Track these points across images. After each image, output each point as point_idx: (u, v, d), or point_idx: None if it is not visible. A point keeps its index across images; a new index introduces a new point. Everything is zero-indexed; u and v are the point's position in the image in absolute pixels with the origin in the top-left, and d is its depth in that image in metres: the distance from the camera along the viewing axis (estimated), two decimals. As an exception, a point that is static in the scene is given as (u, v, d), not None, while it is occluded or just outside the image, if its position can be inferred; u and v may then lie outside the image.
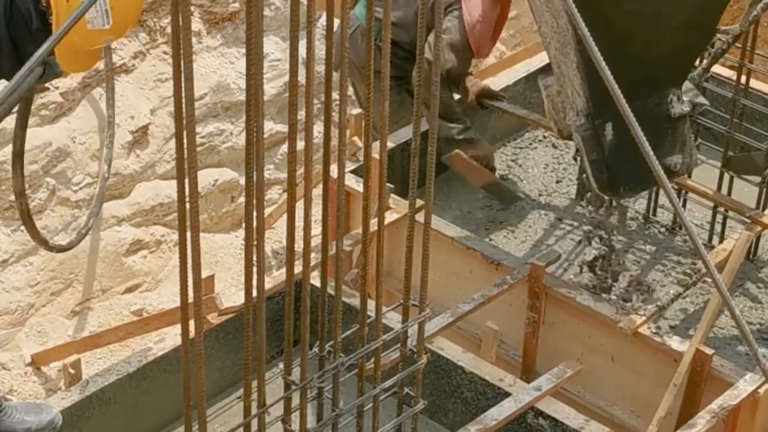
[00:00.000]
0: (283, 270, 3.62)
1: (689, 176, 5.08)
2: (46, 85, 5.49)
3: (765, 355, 4.24)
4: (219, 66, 6.22)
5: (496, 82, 5.75)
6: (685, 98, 4.25)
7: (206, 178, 6.21)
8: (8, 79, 3.70)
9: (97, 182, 5.80)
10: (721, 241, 4.98)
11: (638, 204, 5.26)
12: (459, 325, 4.57)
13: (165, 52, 6.00)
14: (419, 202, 3.37)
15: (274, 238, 6.34)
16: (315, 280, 3.96)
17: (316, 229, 3.63)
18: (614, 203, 5.11)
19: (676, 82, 4.25)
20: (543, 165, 5.56)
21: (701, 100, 4.37)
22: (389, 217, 4.80)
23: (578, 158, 5.17)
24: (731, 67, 5.28)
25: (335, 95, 3.03)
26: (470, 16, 5.09)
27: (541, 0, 4.02)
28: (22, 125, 4.18)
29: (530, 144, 5.69)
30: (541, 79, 4.38)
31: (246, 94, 2.72)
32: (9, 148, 4.49)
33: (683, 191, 5.08)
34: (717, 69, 5.32)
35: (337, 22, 2.92)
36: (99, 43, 3.66)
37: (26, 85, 3.48)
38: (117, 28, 3.57)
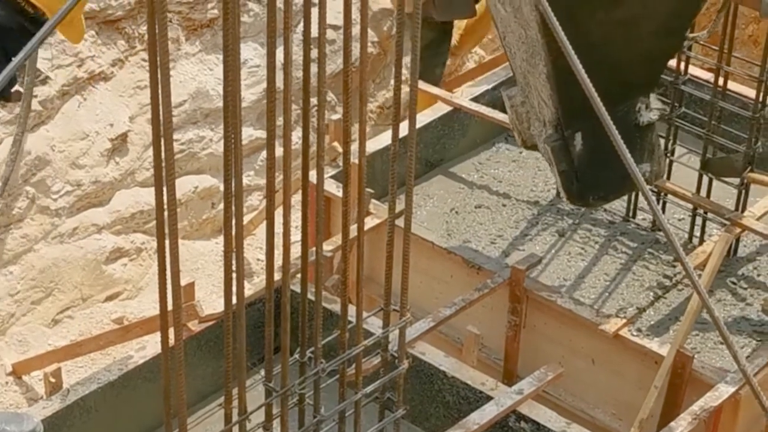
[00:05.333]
0: (264, 276, 3.62)
1: (668, 178, 5.10)
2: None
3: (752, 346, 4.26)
4: (198, 73, 6.21)
5: (476, 86, 5.76)
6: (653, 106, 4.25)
7: (186, 184, 6.20)
8: None
9: (75, 190, 5.78)
10: (701, 243, 5.00)
11: (618, 204, 5.27)
12: (440, 329, 4.57)
13: (144, 59, 6.00)
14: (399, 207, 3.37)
15: (255, 244, 6.34)
16: (295, 286, 3.96)
17: (296, 236, 3.63)
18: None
19: (646, 90, 4.24)
20: (519, 167, 5.57)
21: (658, 105, 4.39)
22: (369, 222, 4.80)
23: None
24: (709, 70, 5.29)
25: (314, 101, 3.03)
26: None
27: (508, 10, 4.01)
28: None
29: (507, 147, 5.70)
30: (504, 90, 4.39)
31: (224, 100, 2.72)
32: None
33: (662, 193, 5.09)
34: (695, 71, 5.34)
35: None
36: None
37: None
38: None
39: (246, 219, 6.21)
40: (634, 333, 4.51)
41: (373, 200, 4.93)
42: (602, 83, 3.90)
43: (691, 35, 4.55)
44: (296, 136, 5.52)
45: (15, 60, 2.30)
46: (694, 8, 4.19)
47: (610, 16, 3.97)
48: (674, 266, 4.96)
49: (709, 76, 5.25)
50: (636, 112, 4.18)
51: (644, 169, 4.24)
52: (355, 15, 3.49)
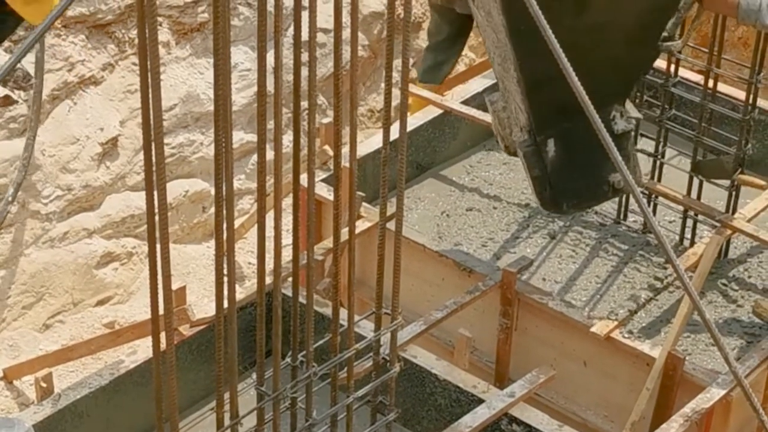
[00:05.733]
0: (255, 280, 3.62)
1: (659, 180, 5.10)
2: (14, 98, 5.48)
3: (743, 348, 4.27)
4: (188, 76, 6.21)
5: (466, 89, 5.76)
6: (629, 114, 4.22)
7: (177, 188, 6.19)
8: None
9: (66, 195, 5.77)
10: (691, 245, 5.01)
11: (609, 206, 5.28)
12: (432, 332, 4.57)
13: (134, 63, 5.99)
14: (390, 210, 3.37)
15: (246, 248, 6.34)
16: (287, 289, 3.96)
17: (288, 239, 3.63)
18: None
19: (620, 98, 4.21)
20: (510, 170, 5.58)
21: (634, 113, 4.37)
22: (361, 225, 4.80)
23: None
24: (699, 72, 5.30)
25: (304, 104, 3.03)
26: None
27: (482, 14, 4.00)
28: None
29: (497, 150, 5.71)
30: (487, 95, 4.38)
31: (214, 104, 2.72)
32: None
33: (653, 196, 5.10)
34: (685, 74, 5.35)
35: None
36: None
37: None
38: None
39: (237, 223, 6.21)
40: (626, 335, 4.52)
41: (364, 203, 4.93)
42: (572, 90, 3.86)
43: (665, 44, 4.54)
44: (287, 139, 5.52)
45: (12, 59, 2.29)
46: (665, 18, 4.14)
47: (577, 22, 3.91)
48: (665, 268, 4.96)
49: (699, 78, 5.26)
50: (610, 120, 4.14)
51: (619, 177, 4.19)
52: (345, 18, 3.49)
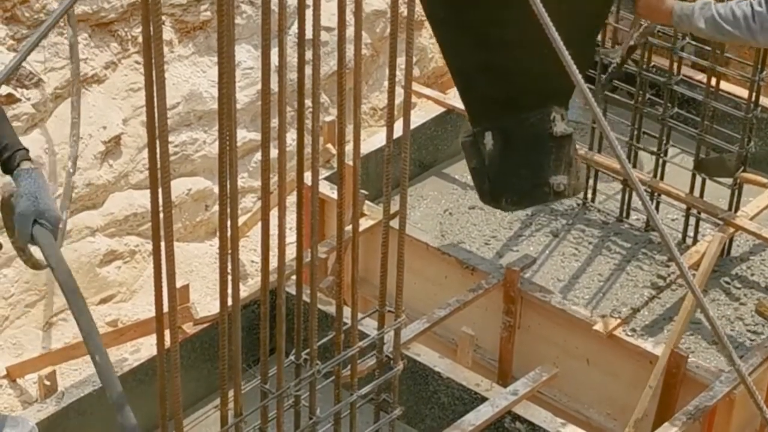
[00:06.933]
0: (259, 278, 3.62)
1: (661, 179, 5.11)
2: (18, 96, 5.48)
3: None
4: (191, 75, 6.21)
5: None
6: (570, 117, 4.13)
7: (180, 187, 6.19)
8: None
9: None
10: (694, 243, 5.01)
11: (612, 204, 5.28)
12: (435, 330, 4.58)
13: (137, 62, 5.99)
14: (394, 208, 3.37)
15: (249, 246, 6.34)
16: (290, 288, 3.96)
17: (291, 237, 3.63)
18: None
19: (560, 100, 4.11)
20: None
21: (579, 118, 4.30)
22: (364, 223, 4.80)
23: None
24: (702, 70, 5.30)
25: (308, 102, 3.03)
26: None
27: None
28: None
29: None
30: None
31: (218, 102, 2.72)
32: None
33: (656, 194, 5.10)
34: (688, 72, 5.35)
35: None
36: None
37: None
38: None
39: (240, 221, 6.21)
40: (629, 333, 4.52)
41: (367, 202, 4.93)
42: (507, 86, 3.79)
43: (602, 50, 4.49)
44: (290, 137, 5.52)
45: (17, 57, 2.30)
46: (597, 23, 4.05)
47: (504, 16, 3.70)
48: (668, 266, 4.96)
49: (701, 76, 5.26)
50: (550, 121, 4.05)
51: (560, 180, 4.09)
52: (349, 16, 3.49)
